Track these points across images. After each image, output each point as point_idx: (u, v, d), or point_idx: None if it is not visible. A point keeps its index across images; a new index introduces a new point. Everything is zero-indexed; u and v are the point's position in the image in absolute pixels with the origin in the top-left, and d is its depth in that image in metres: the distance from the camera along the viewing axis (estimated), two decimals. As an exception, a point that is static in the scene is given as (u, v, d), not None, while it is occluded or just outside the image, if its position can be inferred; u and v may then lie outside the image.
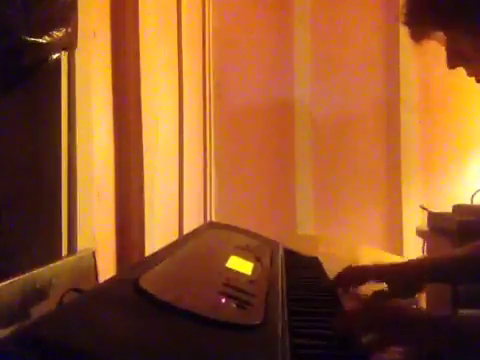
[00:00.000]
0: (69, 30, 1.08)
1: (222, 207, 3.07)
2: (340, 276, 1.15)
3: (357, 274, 1.14)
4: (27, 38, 0.95)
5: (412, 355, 0.72)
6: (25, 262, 1.07)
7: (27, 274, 0.98)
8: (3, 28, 0.92)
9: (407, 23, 1.00)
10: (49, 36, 0.99)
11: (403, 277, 1.10)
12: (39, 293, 0.99)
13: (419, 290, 1.12)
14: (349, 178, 3.15)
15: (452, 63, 0.99)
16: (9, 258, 1.10)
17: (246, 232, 1.42)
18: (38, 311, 0.95)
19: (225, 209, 3.07)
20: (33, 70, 1.03)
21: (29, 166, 1.17)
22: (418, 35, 1.00)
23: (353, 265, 1.17)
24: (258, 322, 0.67)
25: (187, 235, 1.32)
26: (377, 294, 1.09)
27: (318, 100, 3.17)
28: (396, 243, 3.06)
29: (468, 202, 2.40)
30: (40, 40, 0.97)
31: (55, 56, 1.05)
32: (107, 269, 1.37)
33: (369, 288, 1.12)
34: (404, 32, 3.29)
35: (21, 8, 0.93)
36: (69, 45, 1.12)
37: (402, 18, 0.99)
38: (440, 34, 0.96)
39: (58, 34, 1.02)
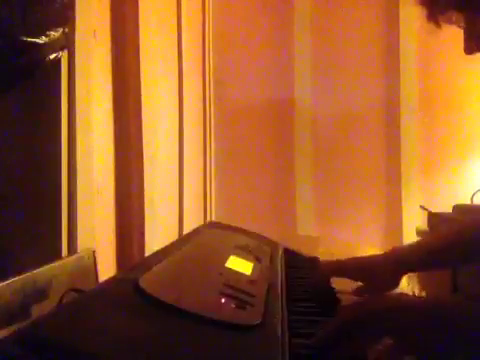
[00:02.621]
0: (66, 30, 1.08)
1: (222, 207, 3.06)
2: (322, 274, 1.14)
3: (333, 269, 1.13)
4: (24, 38, 0.95)
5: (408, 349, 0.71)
6: (25, 262, 1.07)
7: (27, 274, 0.98)
8: (0, 28, 0.92)
9: (424, 2, 0.95)
10: (46, 36, 0.99)
11: (379, 273, 1.08)
12: (39, 293, 0.99)
13: (396, 284, 1.11)
14: (349, 178, 3.14)
15: (470, 48, 0.94)
16: (9, 258, 1.10)
17: (246, 232, 1.41)
18: (38, 311, 0.95)
19: (225, 209, 3.07)
20: (31, 70, 1.03)
21: (29, 166, 1.17)
22: (435, 16, 0.94)
23: (328, 260, 1.16)
24: (258, 322, 0.67)
25: (187, 235, 1.32)
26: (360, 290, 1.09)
27: (318, 100, 3.17)
28: (396, 243, 3.05)
29: (468, 202, 2.40)
30: (37, 40, 0.97)
31: (52, 56, 1.05)
32: (107, 269, 1.37)
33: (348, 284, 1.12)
34: (404, 32, 3.27)
35: (18, 8, 0.93)
36: (66, 45, 1.11)
37: None
38: (458, 17, 0.93)
39: (55, 34, 1.02)
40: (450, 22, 0.93)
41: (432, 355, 0.69)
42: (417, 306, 0.75)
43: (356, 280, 1.11)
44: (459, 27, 0.94)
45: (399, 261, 1.10)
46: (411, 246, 1.16)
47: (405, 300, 0.79)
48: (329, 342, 0.69)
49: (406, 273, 1.13)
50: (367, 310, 0.74)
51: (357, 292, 1.08)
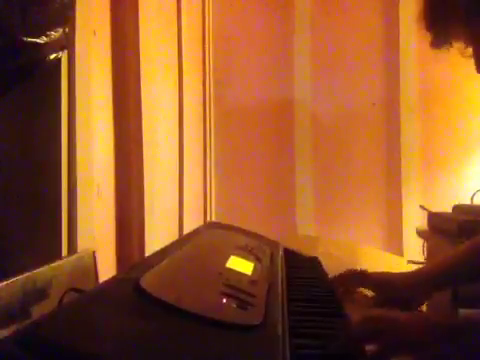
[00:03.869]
0: (66, 30, 1.08)
1: (222, 207, 3.06)
2: (339, 277, 1.15)
3: (356, 278, 1.14)
4: (24, 38, 0.94)
5: None
6: (25, 262, 1.07)
7: (27, 274, 0.97)
8: (0, 28, 0.92)
9: (429, 27, 0.95)
10: (46, 36, 0.99)
11: (401, 291, 1.09)
12: (39, 293, 0.99)
13: (419, 305, 1.12)
14: (349, 178, 3.14)
15: None
16: (9, 258, 1.10)
17: (246, 232, 1.41)
18: (38, 311, 0.95)
19: (225, 209, 3.07)
20: (31, 70, 1.02)
21: (29, 166, 1.17)
22: (439, 41, 0.95)
23: (354, 269, 1.16)
24: (258, 322, 0.67)
25: (187, 235, 1.32)
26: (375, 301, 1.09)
27: (318, 100, 3.17)
28: (396, 243, 3.05)
29: (468, 202, 2.40)
30: (37, 40, 0.97)
31: (52, 56, 1.05)
32: (107, 269, 1.37)
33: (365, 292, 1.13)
34: (404, 32, 3.27)
35: (18, 8, 0.93)
36: (67, 45, 1.11)
37: (422, 23, 0.95)
38: (463, 42, 0.93)
39: (55, 34, 1.02)
40: (452, 45, 0.93)
41: None
42: (424, 323, 0.76)
43: (376, 293, 1.11)
44: (463, 55, 0.94)
45: (424, 284, 1.10)
46: (432, 268, 1.15)
47: (415, 318, 0.80)
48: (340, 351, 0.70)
49: (427, 297, 1.12)
50: (378, 325, 0.75)
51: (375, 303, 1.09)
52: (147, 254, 1.53)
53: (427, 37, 0.96)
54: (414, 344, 0.71)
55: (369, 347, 0.72)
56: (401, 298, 1.08)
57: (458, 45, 0.95)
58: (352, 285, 1.14)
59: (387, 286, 1.10)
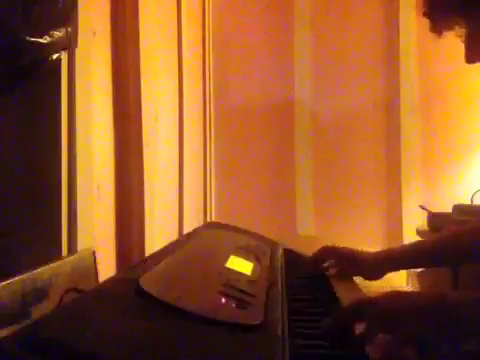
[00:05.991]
0: (69, 30, 1.08)
1: (222, 207, 3.06)
2: (316, 254, 1.22)
3: (330, 252, 1.21)
4: (27, 38, 0.94)
5: (407, 344, 0.72)
6: (25, 262, 1.07)
7: (27, 274, 0.98)
8: (3, 28, 0.92)
9: (427, 13, 0.97)
10: (49, 36, 0.99)
11: (367, 263, 1.17)
12: (39, 293, 0.99)
13: (380, 276, 1.18)
14: (349, 178, 3.14)
15: (472, 57, 0.95)
16: (9, 258, 1.10)
17: (246, 232, 1.41)
18: (38, 311, 0.95)
19: (225, 209, 3.07)
20: (33, 70, 1.02)
21: (29, 166, 1.17)
22: (438, 26, 0.97)
23: (326, 245, 1.23)
24: (258, 322, 0.67)
25: (187, 235, 1.32)
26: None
27: (318, 100, 3.17)
28: (396, 243, 3.05)
29: (468, 202, 2.40)
30: (40, 40, 0.97)
31: (55, 56, 1.05)
32: (107, 269, 1.37)
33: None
34: (404, 32, 3.27)
35: (21, 8, 0.93)
36: (69, 45, 1.11)
37: (422, 8, 0.97)
38: (460, 29, 0.94)
39: (58, 34, 1.02)
40: (452, 30, 0.95)
41: (431, 345, 0.70)
42: (417, 297, 0.78)
43: (345, 265, 1.18)
44: (462, 41, 0.95)
45: (388, 258, 1.18)
46: (403, 246, 1.25)
47: (400, 294, 0.81)
48: (333, 330, 0.72)
49: (392, 270, 1.18)
50: (364, 305, 0.76)
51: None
52: (147, 254, 1.53)
53: (427, 28, 0.98)
54: (396, 318, 0.72)
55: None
56: (369, 270, 1.16)
57: (457, 31, 0.96)
58: (324, 257, 1.21)
59: (357, 261, 1.17)
